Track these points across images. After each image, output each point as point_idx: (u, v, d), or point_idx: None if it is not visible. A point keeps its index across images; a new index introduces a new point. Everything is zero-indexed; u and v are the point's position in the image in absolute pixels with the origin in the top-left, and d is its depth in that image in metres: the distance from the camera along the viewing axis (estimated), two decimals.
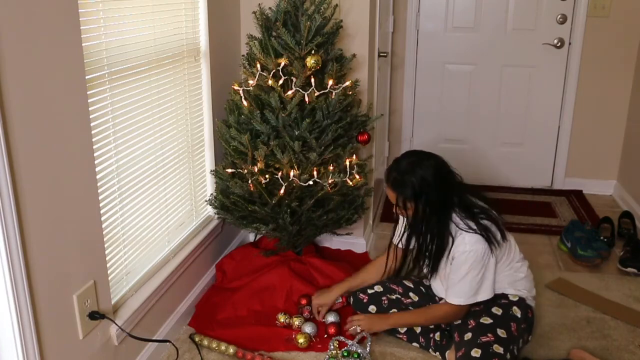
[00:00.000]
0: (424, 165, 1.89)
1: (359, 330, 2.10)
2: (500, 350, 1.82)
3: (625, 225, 3.07)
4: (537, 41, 3.55)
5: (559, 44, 3.51)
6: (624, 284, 2.57)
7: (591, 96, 3.57)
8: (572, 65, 3.53)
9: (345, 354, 2.02)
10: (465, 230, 1.88)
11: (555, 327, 2.24)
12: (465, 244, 1.88)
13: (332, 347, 2.06)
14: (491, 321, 1.91)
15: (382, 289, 2.17)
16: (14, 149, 1.31)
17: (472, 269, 1.89)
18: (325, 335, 2.15)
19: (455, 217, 1.91)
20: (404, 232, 2.05)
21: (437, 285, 2.12)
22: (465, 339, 1.89)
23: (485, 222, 1.91)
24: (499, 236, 1.92)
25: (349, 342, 2.06)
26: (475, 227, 1.88)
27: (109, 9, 1.66)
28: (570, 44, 3.51)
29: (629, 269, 2.65)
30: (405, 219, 2.01)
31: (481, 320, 1.92)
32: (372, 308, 2.16)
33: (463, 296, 1.93)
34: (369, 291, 2.18)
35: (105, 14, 1.65)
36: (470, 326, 1.92)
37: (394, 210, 1.97)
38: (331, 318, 2.20)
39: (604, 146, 3.65)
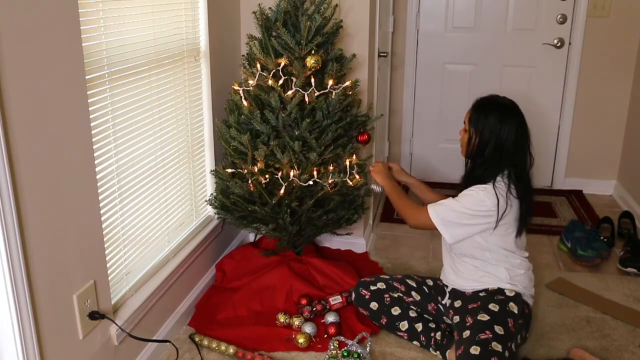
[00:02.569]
0: (512, 120, 1.98)
1: (375, 189, 2.31)
2: (499, 347, 1.82)
3: (625, 225, 3.07)
4: (537, 41, 3.55)
5: (559, 44, 3.51)
6: (624, 284, 2.57)
7: (591, 96, 3.57)
8: (572, 65, 3.53)
9: (345, 354, 2.02)
10: (495, 185, 1.96)
11: (555, 327, 2.24)
12: (486, 189, 1.95)
13: (332, 347, 2.06)
14: (488, 318, 1.91)
15: (384, 287, 2.17)
16: (14, 149, 1.31)
17: (466, 208, 1.96)
18: (325, 335, 2.15)
19: (501, 177, 1.98)
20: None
21: (443, 247, 2.21)
22: (464, 336, 1.89)
23: (513, 199, 1.97)
24: (510, 216, 1.98)
25: (349, 342, 2.06)
26: (501, 188, 1.96)
27: (109, 9, 1.66)
28: (570, 44, 3.51)
29: (629, 269, 2.65)
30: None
31: (479, 318, 1.92)
32: (373, 305, 2.16)
33: (440, 214, 1.99)
34: (372, 288, 2.18)
35: (105, 14, 1.65)
36: (468, 324, 1.93)
37: (460, 133, 2.11)
38: (331, 318, 2.20)
39: (604, 146, 3.65)
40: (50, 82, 1.41)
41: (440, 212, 2.00)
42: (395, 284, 2.18)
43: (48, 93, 1.41)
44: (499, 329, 1.88)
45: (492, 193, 1.94)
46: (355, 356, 2.01)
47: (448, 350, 2.02)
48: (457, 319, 2.01)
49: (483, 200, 1.94)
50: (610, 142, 3.63)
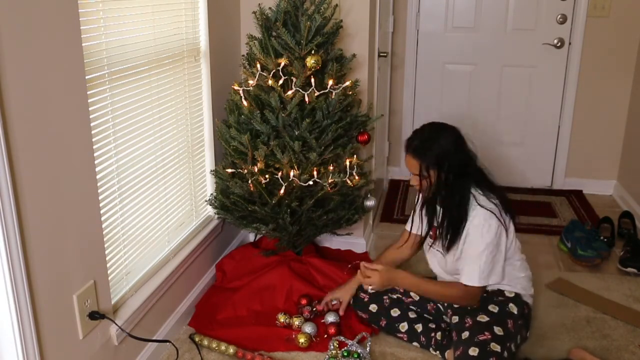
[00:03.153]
0: (445, 134, 1.94)
1: (370, 290, 2.14)
2: (498, 348, 1.82)
3: (625, 225, 3.07)
4: (537, 41, 3.55)
5: (559, 44, 3.51)
6: (624, 284, 2.57)
7: (591, 96, 3.57)
8: (572, 65, 3.53)
9: (345, 354, 2.02)
10: (480, 204, 1.92)
11: (555, 327, 2.24)
12: (480, 217, 1.90)
13: (332, 347, 2.06)
14: (488, 319, 1.91)
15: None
16: (14, 149, 1.31)
17: (487, 247, 1.90)
18: (325, 335, 2.15)
19: (472, 189, 1.95)
20: (423, 206, 2.07)
21: (435, 267, 2.14)
22: (463, 337, 1.89)
23: (495, 201, 1.95)
24: (507, 219, 1.96)
25: (349, 342, 2.06)
26: (490, 202, 1.92)
27: (109, 9, 1.66)
28: (570, 44, 3.51)
29: (629, 269, 2.65)
30: (420, 195, 2.06)
31: (478, 319, 1.92)
32: (372, 307, 2.16)
33: (477, 277, 1.92)
34: (370, 290, 2.18)
35: (105, 14, 1.65)
36: (467, 324, 1.92)
37: (411, 184, 1.98)
38: (331, 318, 2.20)
39: (604, 146, 3.65)
40: (50, 82, 1.41)
41: (473, 273, 1.93)
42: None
43: (48, 93, 1.41)
44: (498, 330, 1.88)
45: (484, 211, 1.90)
46: (355, 356, 2.01)
47: (447, 351, 2.02)
48: (455, 319, 2.01)
49: (487, 226, 1.90)
50: (610, 142, 3.63)
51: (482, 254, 1.91)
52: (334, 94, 2.19)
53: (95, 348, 1.69)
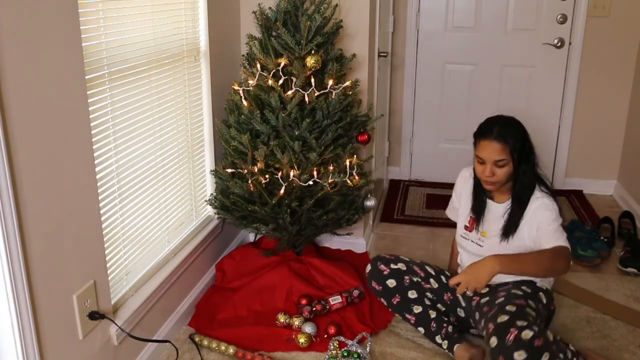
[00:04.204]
0: (517, 121, 1.99)
1: (469, 294, 2.04)
2: (533, 314, 1.78)
3: (625, 225, 3.07)
4: (537, 41, 3.55)
5: (559, 44, 3.51)
6: (624, 284, 2.57)
7: (591, 96, 3.57)
8: (572, 65, 3.53)
9: (345, 354, 2.02)
10: (541, 189, 1.97)
11: (555, 327, 2.24)
12: (544, 197, 1.95)
13: (332, 347, 2.06)
14: (521, 294, 1.91)
15: (405, 268, 2.13)
16: (14, 149, 1.31)
17: (557, 217, 1.94)
18: (325, 335, 2.15)
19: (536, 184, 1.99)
20: (479, 199, 2.08)
21: (468, 259, 2.08)
22: (497, 302, 1.87)
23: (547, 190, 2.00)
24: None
25: (349, 342, 2.06)
26: (549, 192, 1.98)
27: (109, 9, 1.66)
28: (570, 44, 3.51)
29: (629, 269, 2.65)
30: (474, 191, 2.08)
31: (512, 291, 1.92)
32: (391, 282, 2.10)
33: (563, 238, 1.89)
34: (392, 266, 2.13)
35: (105, 14, 1.65)
36: (499, 299, 1.89)
37: (486, 175, 1.94)
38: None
39: (604, 146, 3.65)
40: (50, 82, 1.41)
41: (561, 235, 1.92)
42: (415, 268, 2.15)
43: (48, 93, 1.41)
44: (531, 302, 1.86)
45: (546, 194, 1.97)
46: (355, 356, 2.01)
47: (457, 345, 2.00)
48: (486, 298, 1.97)
49: (551, 203, 1.96)
50: (610, 142, 3.63)
51: (555, 221, 1.92)
52: (334, 94, 2.19)
53: (95, 348, 1.69)
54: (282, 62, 2.15)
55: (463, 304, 2.13)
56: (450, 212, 2.31)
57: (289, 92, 2.16)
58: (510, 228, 1.99)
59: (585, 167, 3.71)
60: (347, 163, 2.25)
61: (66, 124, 1.48)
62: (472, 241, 2.10)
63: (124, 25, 1.75)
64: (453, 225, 2.26)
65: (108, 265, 1.74)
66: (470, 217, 2.12)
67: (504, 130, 1.92)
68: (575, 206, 3.49)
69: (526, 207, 1.96)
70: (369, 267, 2.17)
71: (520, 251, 1.94)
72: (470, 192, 2.14)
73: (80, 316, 1.60)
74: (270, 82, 2.15)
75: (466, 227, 2.13)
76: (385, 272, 2.12)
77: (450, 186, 2.32)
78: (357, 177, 2.26)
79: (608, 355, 2.08)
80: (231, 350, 2.05)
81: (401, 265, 2.14)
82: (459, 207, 2.21)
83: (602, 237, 2.86)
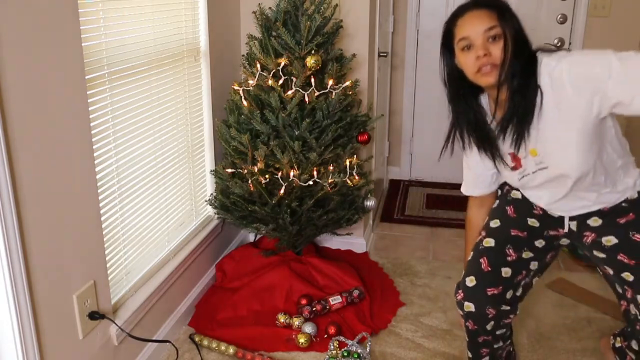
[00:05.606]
0: None
1: None
2: None
3: None
4: (537, 41, 3.52)
5: (559, 44, 3.51)
6: None
7: None
8: None
9: (345, 354, 2.02)
10: (560, 56, 1.45)
11: (555, 327, 2.24)
12: (565, 57, 1.43)
13: (332, 347, 2.06)
14: None
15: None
16: (14, 149, 1.31)
17: (607, 53, 1.41)
18: (325, 335, 2.15)
19: (538, 53, 1.51)
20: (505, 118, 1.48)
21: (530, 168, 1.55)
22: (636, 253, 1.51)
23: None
24: None
25: (349, 342, 2.06)
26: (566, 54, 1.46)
27: (109, 9, 1.66)
28: (570, 44, 3.51)
29: None
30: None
31: None
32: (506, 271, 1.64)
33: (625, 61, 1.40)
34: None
35: (105, 14, 1.65)
36: (635, 238, 1.52)
37: (482, 52, 1.41)
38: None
39: None
40: (50, 82, 1.41)
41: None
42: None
43: (48, 93, 1.41)
44: None
45: (562, 52, 1.50)
46: (355, 356, 2.01)
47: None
48: (612, 239, 1.55)
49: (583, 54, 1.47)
50: None
51: (613, 54, 1.40)
52: (334, 94, 2.19)
53: (95, 348, 1.69)
54: (282, 62, 2.15)
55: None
56: (469, 185, 1.78)
57: (289, 92, 2.16)
58: (528, 109, 1.44)
59: None
60: (347, 163, 2.25)
61: (66, 124, 1.48)
62: (532, 173, 1.56)
63: (124, 25, 1.75)
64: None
65: (108, 265, 1.74)
66: (508, 153, 1.56)
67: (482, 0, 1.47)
68: None
69: (536, 75, 1.45)
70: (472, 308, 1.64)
71: (597, 130, 1.45)
72: (478, 142, 1.61)
73: (80, 316, 1.60)
74: (270, 82, 2.15)
75: (514, 168, 1.59)
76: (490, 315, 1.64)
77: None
78: (357, 177, 2.26)
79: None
80: (231, 350, 2.05)
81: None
82: (480, 165, 1.68)
83: None
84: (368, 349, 2.07)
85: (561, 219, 1.64)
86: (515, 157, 1.56)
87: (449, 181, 3.79)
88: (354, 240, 2.82)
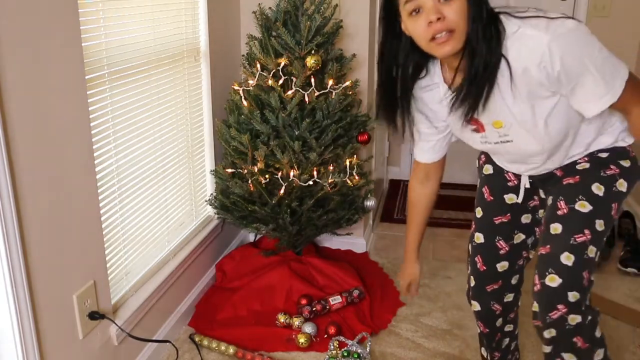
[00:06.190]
0: None
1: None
2: (593, 252, 1.39)
3: (625, 225, 3.07)
4: None
5: None
6: (624, 284, 2.57)
7: None
8: None
9: (345, 354, 2.02)
10: (525, 17, 1.26)
11: None
12: (540, 27, 1.23)
13: (332, 347, 2.06)
14: (590, 208, 1.39)
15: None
16: (14, 149, 1.31)
17: (589, 45, 1.23)
18: (325, 335, 2.15)
19: (502, 16, 1.27)
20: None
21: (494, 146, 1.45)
22: (553, 232, 1.41)
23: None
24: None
25: (349, 342, 2.06)
26: (535, 14, 1.28)
27: (109, 9, 1.66)
28: None
29: (629, 269, 2.65)
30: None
31: (577, 207, 1.40)
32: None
33: (604, 85, 1.24)
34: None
35: (105, 14, 1.65)
36: (561, 212, 1.41)
37: (434, 16, 1.19)
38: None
39: None
40: (50, 82, 1.41)
41: (606, 84, 1.25)
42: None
43: (48, 93, 1.41)
44: (599, 224, 1.39)
45: (542, 19, 1.26)
46: (355, 356, 2.01)
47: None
48: (549, 201, 1.49)
49: (564, 25, 1.25)
50: None
51: (593, 55, 1.23)
52: (334, 94, 2.19)
53: (95, 348, 1.69)
54: (282, 62, 2.15)
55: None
56: (417, 148, 1.62)
57: (289, 92, 2.16)
58: (484, 91, 1.27)
59: None
60: (347, 163, 2.25)
61: (66, 124, 1.48)
62: (495, 143, 1.45)
63: (124, 26, 1.75)
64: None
65: (108, 265, 1.74)
66: (467, 117, 1.34)
67: None
68: None
69: (500, 42, 1.25)
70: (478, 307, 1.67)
71: (568, 115, 1.33)
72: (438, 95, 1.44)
73: (80, 316, 1.60)
74: (270, 82, 2.15)
75: (477, 131, 1.45)
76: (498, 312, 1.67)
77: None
78: (357, 177, 2.26)
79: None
80: (231, 350, 2.05)
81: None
82: (438, 118, 1.50)
83: None
84: (368, 349, 2.07)
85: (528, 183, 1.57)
86: (477, 121, 1.41)
87: (448, 181, 3.78)
88: (354, 240, 2.82)
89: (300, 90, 2.16)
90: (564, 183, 1.46)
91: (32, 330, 1.40)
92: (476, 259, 1.64)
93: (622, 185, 1.42)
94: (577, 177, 1.45)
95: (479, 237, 1.64)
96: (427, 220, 1.73)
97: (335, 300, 2.29)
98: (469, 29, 1.22)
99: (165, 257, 2.13)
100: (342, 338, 2.09)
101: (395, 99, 1.41)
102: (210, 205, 2.45)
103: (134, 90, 1.82)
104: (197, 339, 2.13)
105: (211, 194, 2.48)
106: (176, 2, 2.09)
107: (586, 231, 1.39)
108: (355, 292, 2.33)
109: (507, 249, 1.61)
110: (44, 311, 1.46)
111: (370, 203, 2.49)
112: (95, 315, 1.64)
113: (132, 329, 1.84)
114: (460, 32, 1.22)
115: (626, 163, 1.44)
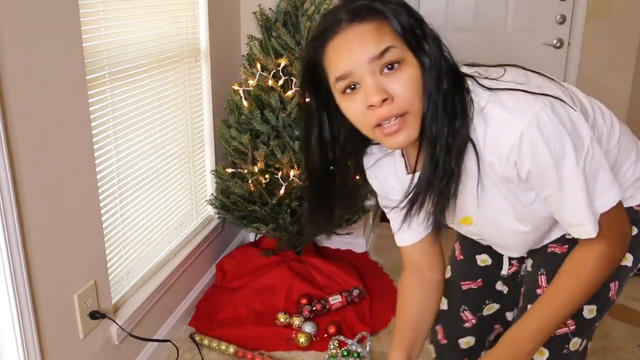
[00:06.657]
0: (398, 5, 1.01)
1: None
2: (577, 345, 1.17)
3: None
4: (536, 41, 3.55)
5: (558, 44, 3.51)
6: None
7: (590, 96, 3.57)
8: (572, 66, 3.53)
9: (345, 353, 2.02)
10: (488, 89, 0.98)
11: None
12: (512, 110, 0.93)
13: (332, 346, 2.06)
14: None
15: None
16: (15, 149, 1.31)
17: (560, 152, 0.92)
18: (325, 335, 2.15)
19: (469, 83, 1.01)
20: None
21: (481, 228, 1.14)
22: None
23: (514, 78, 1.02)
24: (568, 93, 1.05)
25: (349, 341, 2.07)
26: (504, 83, 0.99)
27: (109, 9, 1.67)
28: (569, 44, 3.51)
29: None
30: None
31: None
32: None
33: (581, 213, 0.97)
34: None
35: (105, 14, 1.65)
36: (541, 292, 1.14)
37: (375, 100, 0.90)
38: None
39: None
40: (50, 82, 1.41)
41: (575, 212, 0.98)
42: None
43: (48, 93, 1.41)
44: (588, 311, 1.14)
45: (514, 94, 0.96)
46: (355, 355, 2.02)
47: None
48: (528, 265, 1.23)
49: (534, 113, 0.92)
50: None
51: (561, 166, 0.93)
52: None
53: (96, 348, 1.69)
54: (282, 62, 2.15)
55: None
56: (391, 221, 1.35)
57: (289, 92, 2.16)
58: (450, 186, 0.97)
59: None
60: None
61: (67, 124, 1.48)
62: (468, 232, 1.21)
63: (125, 26, 1.75)
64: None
65: (109, 265, 1.74)
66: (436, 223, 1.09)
67: (361, 3, 0.94)
68: None
69: (467, 121, 0.95)
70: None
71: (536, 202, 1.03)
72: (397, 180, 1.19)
73: (81, 316, 1.60)
74: (270, 82, 2.15)
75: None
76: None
77: None
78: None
79: (608, 355, 2.08)
80: (231, 349, 2.05)
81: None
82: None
83: None
84: (368, 348, 2.07)
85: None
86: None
87: None
88: (354, 240, 2.82)
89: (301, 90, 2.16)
90: (549, 251, 1.16)
91: (33, 330, 1.41)
92: (437, 328, 1.34)
93: (625, 258, 1.11)
94: (565, 245, 1.14)
95: (443, 302, 1.32)
96: (422, 329, 1.28)
97: (335, 300, 2.29)
98: (425, 109, 0.92)
99: (165, 257, 2.13)
100: (342, 337, 2.10)
101: (334, 186, 1.13)
102: (211, 205, 2.45)
103: (134, 91, 1.83)
104: (197, 339, 2.13)
105: (211, 194, 2.49)
106: (176, 3, 2.09)
107: (569, 321, 1.10)
108: (355, 292, 2.34)
109: (473, 321, 1.31)
110: (44, 311, 1.46)
111: (370, 203, 2.49)
112: (96, 315, 1.65)
113: (132, 329, 1.85)
114: (414, 114, 0.92)
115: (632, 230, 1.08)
